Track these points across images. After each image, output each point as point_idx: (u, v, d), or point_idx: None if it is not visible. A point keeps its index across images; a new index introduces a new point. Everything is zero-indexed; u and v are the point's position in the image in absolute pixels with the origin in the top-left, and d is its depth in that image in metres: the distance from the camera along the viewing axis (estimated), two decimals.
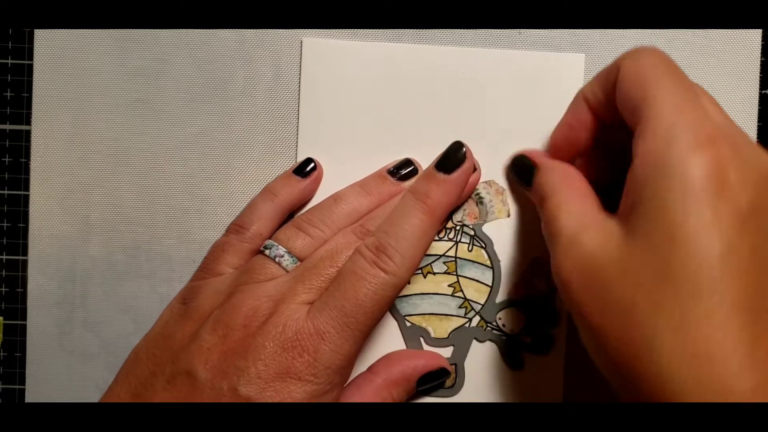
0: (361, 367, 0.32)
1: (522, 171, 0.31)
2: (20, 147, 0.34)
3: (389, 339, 0.33)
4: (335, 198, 0.32)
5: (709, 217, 0.22)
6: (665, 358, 0.21)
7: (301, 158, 0.33)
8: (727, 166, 0.23)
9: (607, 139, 0.29)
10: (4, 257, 0.34)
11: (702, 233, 0.22)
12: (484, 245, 0.33)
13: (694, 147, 0.23)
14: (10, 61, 0.34)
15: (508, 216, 0.33)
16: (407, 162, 0.32)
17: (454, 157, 0.30)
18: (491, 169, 0.33)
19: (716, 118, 0.25)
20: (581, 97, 0.29)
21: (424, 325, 0.33)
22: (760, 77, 0.33)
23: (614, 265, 0.23)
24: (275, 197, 0.32)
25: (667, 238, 0.22)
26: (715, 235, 0.22)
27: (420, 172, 0.32)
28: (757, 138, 0.33)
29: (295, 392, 0.26)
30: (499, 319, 0.33)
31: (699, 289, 0.21)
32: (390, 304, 0.28)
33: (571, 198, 0.27)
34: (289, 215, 0.33)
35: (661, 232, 0.22)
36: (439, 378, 0.32)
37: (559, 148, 0.30)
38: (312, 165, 0.32)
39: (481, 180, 0.33)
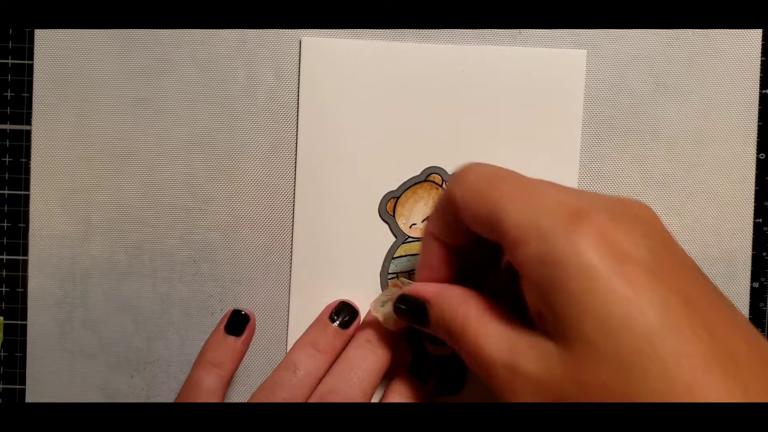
0: None
1: (413, 312, 0.28)
2: (20, 147, 0.34)
3: (390, 337, 0.33)
4: (290, 367, 0.31)
5: (630, 292, 0.21)
6: None
7: (301, 158, 0.33)
8: (610, 231, 0.21)
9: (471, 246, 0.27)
10: (5, 257, 0.34)
11: (633, 311, 0.20)
12: None
13: (568, 229, 0.21)
14: (10, 61, 0.34)
15: None
16: (345, 305, 0.32)
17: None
18: None
19: (570, 194, 0.23)
20: (429, 236, 0.27)
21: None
22: (761, 77, 0.33)
23: (570, 384, 0.21)
24: (220, 368, 0.31)
25: (602, 333, 0.20)
26: (646, 306, 0.20)
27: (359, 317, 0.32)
28: (758, 138, 0.33)
29: None
30: None
31: (665, 364, 0.20)
32: None
33: (485, 323, 0.25)
34: None
35: (592, 329, 0.21)
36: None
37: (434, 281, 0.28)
38: (242, 317, 0.32)
39: None
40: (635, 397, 0.20)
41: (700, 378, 0.19)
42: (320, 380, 0.31)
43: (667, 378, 0.20)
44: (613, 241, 0.21)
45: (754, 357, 0.20)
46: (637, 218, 0.22)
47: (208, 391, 0.31)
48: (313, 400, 0.30)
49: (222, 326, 0.32)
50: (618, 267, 0.21)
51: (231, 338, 0.32)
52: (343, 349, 0.32)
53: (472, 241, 0.26)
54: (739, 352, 0.20)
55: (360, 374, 0.30)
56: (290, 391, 0.30)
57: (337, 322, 0.32)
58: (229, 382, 0.32)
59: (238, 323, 0.32)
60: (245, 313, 0.33)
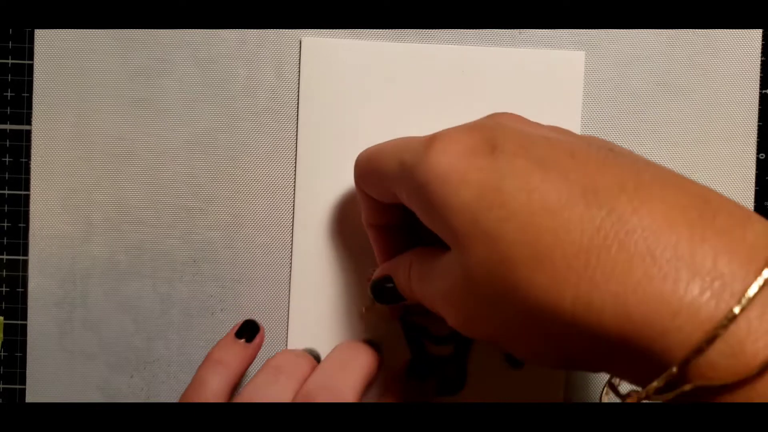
0: None
1: (388, 294, 0.29)
2: (21, 147, 0.34)
3: (390, 337, 0.33)
4: (274, 372, 0.30)
5: (474, 174, 0.22)
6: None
7: (301, 158, 0.33)
8: (458, 138, 0.23)
9: None
10: (5, 257, 0.34)
11: (466, 189, 0.21)
12: None
13: (422, 155, 0.23)
14: (10, 61, 0.34)
15: None
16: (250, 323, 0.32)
17: None
18: None
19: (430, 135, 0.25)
20: (368, 227, 0.30)
21: (424, 323, 0.33)
22: (761, 77, 0.33)
23: (465, 280, 0.22)
24: (227, 369, 0.30)
25: (470, 216, 0.21)
26: (478, 179, 0.21)
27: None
28: (758, 138, 0.33)
29: None
30: None
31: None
32: None
33: (422, 273, 0.26)
34: None
35: (464, 219, 0.22)
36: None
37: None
38: (254, 326, 0.32)
39: None
40: (509, 257, 0.20)
41: (555, 209, 0.20)
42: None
43: (527, 228, 0.20)
44: (463, 145, 0.22)
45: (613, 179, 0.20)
46: (492, 121, 0.23)
47: (212, 392, 0.30)
48: (300, 397, 0.29)
49: (233, 331, 0.32)
50: (471, 160, 0.22)
51: (241, 341, 0.31)
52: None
53: (398, 212, 0.28)
54: (600, 182, 0.20)
55: (352, 370, 0.30)
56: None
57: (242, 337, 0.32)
58: (235, 385, 0.31)
59: (249, 330, 0.32)
60: (257, 324, 0.32)
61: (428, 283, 0.26)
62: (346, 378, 0.29)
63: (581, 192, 0.20)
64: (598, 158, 0.21)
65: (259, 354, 0.33)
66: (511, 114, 0.25)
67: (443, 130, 0.24)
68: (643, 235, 0.19)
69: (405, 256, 0.29)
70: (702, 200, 0.20)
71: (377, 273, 0.30)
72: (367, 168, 0.27)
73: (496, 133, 0.22)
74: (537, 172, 0.21)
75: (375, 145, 0.28)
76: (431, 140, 0.23)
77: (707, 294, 0.18)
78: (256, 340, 0.32)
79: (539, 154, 0.21)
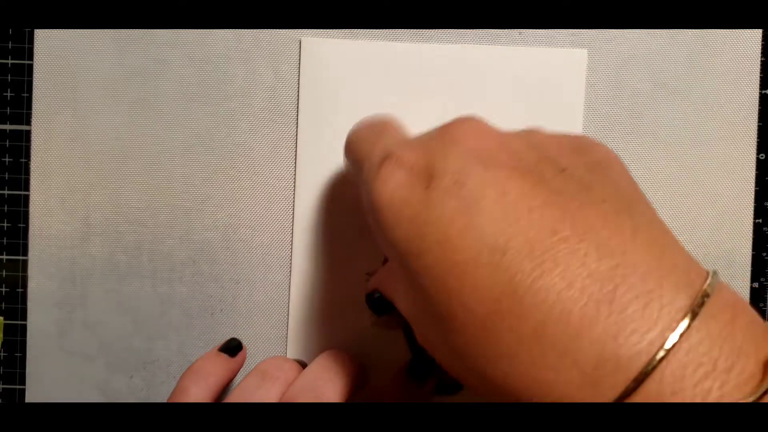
0: None
1: (381, 307, 0.29)
2: (20, 147, 0.34)
3: (390, 338, 0.33)
4: (260, 375, 0.30)
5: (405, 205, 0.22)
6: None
7: (300, 158, 0.33)
8: (404, 159, 0.22)
9: None
10: (4, 257, 0.34)
11: (411, 215, 0.21)
12: None
13: (375, 174, 0.23)
14: (10, 61, 0.34)
15: None
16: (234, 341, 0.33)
17: None
18: None
19: (398, 139, 0.25)
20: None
21: None
22: (761, 77, 0.33)
23: (409, 308, 0.23)
24: (207, 378, 0.30)
25: (401, 258, 0.22)
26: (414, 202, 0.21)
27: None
28: (758, 138, 0.33)
29: None
30: None
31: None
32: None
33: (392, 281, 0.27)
34: None
35: (397, 259, 0.22)
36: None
37: None
38: (237, 344, 0.32)
39: None
40: (430, 311, 0.21)
41: (471, 252, 0.20)
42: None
43: (441, 287, 0.20)
44: (408, 172, 0.22)
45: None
46: (444, 139, 0.23)
47: (194, 400, 0.30)
48: (286, 398, 0.29)
49: (216, 347, 0.32)
50: (407, 194, 0.21)
51: (223, 355, 0.32)
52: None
53: None
54: (521, 238, 0.19)
55: (338, 374, 0.30)
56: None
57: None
58: (217, 397, 0.31)
59: (232, 347, 0.32)
60: (240, 343, 0.33)
61: (399, 300, 0.26)
62: (331, 382, 0.29)
63: (492, 248, 0.19)
64: (528, 199, 0.20)
65: (261, 354, 0.33)
66: (470, 123, 0.23)
67: (398, 146, 0.23)
68: (535, 313, 0.18)
69: (387, 268, 0.29)
70: (614, 262, 0.19)
71: (368, 287, 0.30)
72: (347, 152, 0.28)
73: (437, 161, 0.22)
74: (462, 216, 0.20)
75: (360, 128, 0.27)
76: (383, 161, 0.23)
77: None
78: (239, 356, 0.32)
79: (470, 190, 0.20)
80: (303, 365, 0.32)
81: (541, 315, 0.18)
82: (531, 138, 0.23)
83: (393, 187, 0.22)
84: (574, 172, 0.21)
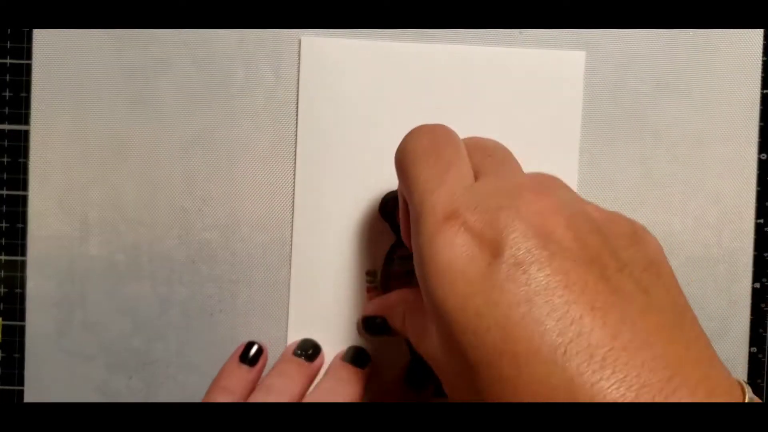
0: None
1: (379, 330, 0.32)
2: (19, 147, 0.34)
3: (390, 339, 0.33)
4: (265, 390, 0.31)
5: (464, 290, 0.21)
6: None
7: (300, 158, 0.33)
8: (472, 227, 0.22)
9: None
10: (3, 258, 0.34)
11: (469, 295, 0.21)
12: None
13: (434, 231, 0.22)
14: (8, 61, 0.34)
15: None
16: (308, 341, 0.33)
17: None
18: None
19: (462, 191, 0.23)
20: (399, 192, 0.28)
21: None
22: (762, 77, 0.33)
23: (442, 363, 0.23)
24: (233, 395, 0.31)
25: (448, 326, 0.21)
26: (468, 301, 0.21)
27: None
28: (759, 138, 0.33)
29: None
30: None
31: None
32: None
33: (411, 320, 0.27)
34: None
35: (443, 324, 0.22)
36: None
37: None
38: (257, 348, 0.33)
39: None
40: (474, 386, 0.21)
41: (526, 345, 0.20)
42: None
43: (493, 367, 0.20)
44: (471, 240, 0.21)
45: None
46: (512, 212, 0.22)
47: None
48: None
49: (236, 356, 0.32)
50: (468, 266, 0.21)
51: (245, 367, 0.32)
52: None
53: None
54: (593, 337, 0.19)
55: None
56: None
57: (304, 357, 0.33)
58: None
59: (251, 354, 0.32)
60: (260, 346, 0.33)
61: (422, 345, 0.26)
62: (341, 396, 0.31)
63: (551, 347, 0.19)
64: (591, 296, 0.20)
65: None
66: (542, 198, 0.23)
67: (466, 204, 0.22)
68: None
69: (397, 301, 0.30)
70: (669, 372, 0.19)
71: (370, 310, 0.32)
72: (399, 173, 0.26)
73: (506, 235, 0.21)
74: (520, 307, 0.20)
75: (417, 147, 0.25)
76: (449, 217, 0.22)
77: None
78: (259, 363, 0.32)
79: (534, 279, 0.20)
80: (316, 348, 0.33)
81: None
82: (592, 216, 0.23)
83: (455, 253, 0.21)
84: (633, 270, 0.21)
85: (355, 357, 0.32)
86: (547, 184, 0.24)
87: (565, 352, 0.19)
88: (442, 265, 0.21)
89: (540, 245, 0.21)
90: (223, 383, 0.32)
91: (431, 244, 0.22)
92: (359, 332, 0.33)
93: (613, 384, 0.19)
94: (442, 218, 0.22)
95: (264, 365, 0.33)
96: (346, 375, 0.32)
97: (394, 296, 0.30)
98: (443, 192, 0.23)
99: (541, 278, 0.20)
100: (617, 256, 0.22)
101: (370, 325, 0.32)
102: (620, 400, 0.19)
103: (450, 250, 0.21)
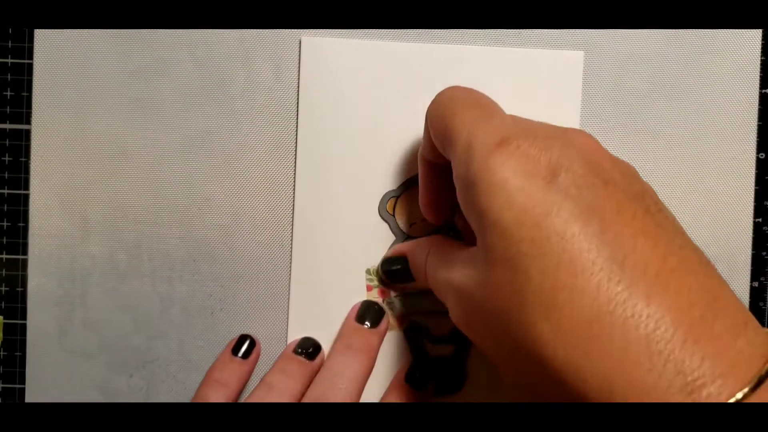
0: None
1: (398, 271, 0.32)
2: (20, 146, 0.34)
3: (389, 336, 0.33)
4: (266, 388, 0.31)
5: (526, 201, 0.22)
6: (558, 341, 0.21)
7: (301, 158, 0.33)
8: (528, 153, 0.22)
9: None
10: (4, 256, 0.34)
11: (524, 216, 0.21)
12: None
13: (488, 154, 0.23)
14: (10, 60, 0.34)
15: None
16: (308, 340, 0.33)
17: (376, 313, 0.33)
18: None
19: (510, 123, 0.24)
20: (420, 156, 0.29)
21: (424, 323, 0.33)
22: (761, 77, 0.33)
23: (477, 287, 0.23)
24: (226, 388, 0.32)
25: (497, 237, 0.22)
26: (538, 212, 0.21)
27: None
28: (758, 137, 0.33)
29: None
30: None
31: (544, 262, 0.21)
32: None
33: (437, 259, 0.28)
34: None
35: (491, 235, 0.22)
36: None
37: (436, 212, 0.30)
38: (250, 342, 0.33)
39: None
40: (523, 293, 0.21)
41: (580, 270, 0.20)
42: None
43: (548, 275, 0.21)
44: (527, 161, 0.22)
45: (659, 262, 0.21)
46: (566, 141, 0.23)
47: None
48: None
49: (229, 349, 0.33)
50: (525, 182, 0.22)
51: (238, 360, 0.33)
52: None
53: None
54: (637, 256, 0.21)
55: (345, 381, 0.31)
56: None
57: (304, 355, 0.33)
58: (236, 401, 0.32)
59: (245, 346, 0.33)
60: (253, 339, 0.33)
61: (444, 272, 0.27)
62: (339, 390, 0.31)
63: (608, 259, 0.20)
64: (641, 224, 0.21)
65: (261, 354, 0.33)
66: (587, 135, 0.24)
67: (518, 133, 0.23)
68: (645, 322, 0.20)
69: (424, 241, 0.31)
70: (711, 298, 0.21)
71: (392, 251, 0.32)
72: (438, 122, 0.27)
73: (561, 159, 0.22)
74: (578, 221, 0.21)
75: (464, 93, 0.27)
76: (502, 143, 0.23)
77: (685, 392, 0.19)
78: (252, 355, 0.33)
79: (590, 200, 0.21)
80: (316, 346, 0.33)
81: (645, 331, 0.20)
82: (632, 169, 0.24)
83: (510, 171, 0.22)
84: (668, 214, 0.23)
85: (366, 313, 0.33)
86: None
87: (623, 263, 0.20)
88: (498, 183, 0.22)
89: (593, 173, 0.22)
90: (216, 375, 0.32)
91: (486, 166, 0.23)
92: (379, 281, 0.33)
93: (666, 302, 0.20)
94: (495, 144, 0.23)
95: (257, 358, 0.33)
96: (357, 342, 0.32)
97: (418, 239, 0.31)
98: (493, 124, 0.24)
99: (596, 201, 0.21)
100: (656, 200, 0.23)
101: (390, 269, 0.32)
102: (672, 313, 0.20)
103: (506, 169, 0.22)
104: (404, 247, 0.32)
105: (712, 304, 0.20)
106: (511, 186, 0.22)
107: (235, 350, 0.33)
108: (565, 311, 0.20)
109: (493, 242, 0.22)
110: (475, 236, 0.24)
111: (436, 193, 0.30)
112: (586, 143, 0.23)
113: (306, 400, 0.31)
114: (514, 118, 0.25)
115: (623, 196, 0.22)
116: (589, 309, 0.20)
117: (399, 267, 0.32)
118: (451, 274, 0.26)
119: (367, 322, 0.32)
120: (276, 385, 0.31)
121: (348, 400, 0.31)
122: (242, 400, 0.32)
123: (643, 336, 0.19)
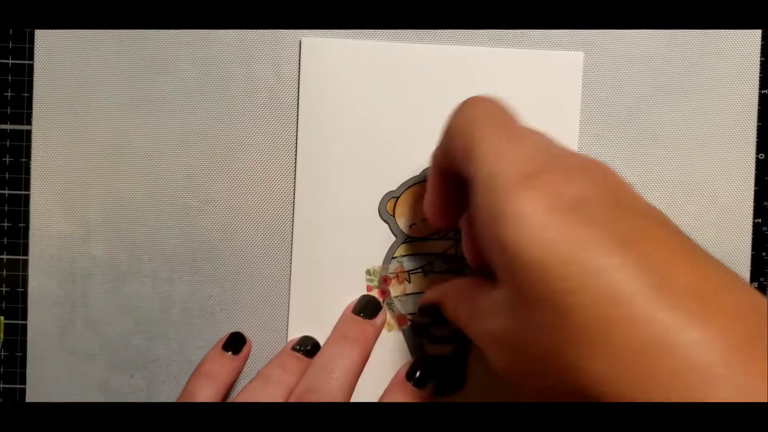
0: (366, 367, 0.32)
1: (436, 318, 0.31)
2: (21, 147, 0.34)
3: (389, 336, 0.33)
4: (263, 380, 0.32)
5: (555, 235, 0.21)
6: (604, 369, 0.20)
7: (301, 158, 0.33)
8: (555, 188, 0.22)
9: None
10: (5, 257, 0.34)
11: (554, 253, 0.21)
12: None
13: (514, 190, 0.22)
14: (10, 61, 0.34)
15: None
16: (308, 338, 0.33)
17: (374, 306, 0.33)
18: None
19: (538, 153, 0.24)
20: (432, 161, 0.28)
21: (425, 323, 0.33)
22: (760, 77, 0.33)
23: (515, 329, 0.23)
24: (215, 381, 0.32)
25: (528, 277, 0.21)
26: (567, 246, 0.21)
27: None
28: (757, 138, 0.33)
29: None
30: None
31: (581, 299, 0.20)
32: None
33: (470, 307, 0.27)
34: None
35: (520, 271, 0.22)
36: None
37: (442, 217, 0.30)
38: (241, 339, 0.33)
39: None
40: (566, 333, 0.21)
41: (624, 302, 0.20)
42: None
43: (591, 311, 0.20)
44: (553, 196, 0.22)
45: (696, 285, 0.20)
46: (588, 173, 0.23)
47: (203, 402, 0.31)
48: (292, 399, 0.30)
49: (220, 344, 0.33)
50: (553, 218, 0.21)
51: (228, 355, 0.33)
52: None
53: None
54: (679, 279, 0.20)
55: (338, 370, 0.31)
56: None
57: (302, 352, 0.33)
58: (225, 397, 0.32)
59: (235, 343, 0.33)
60: (244, 336, 0.33)
61: (477, 324, 0.26)
62: (332, 379, 0.31)
63: (649, 286, 0.20)
64: (672, 246, 0.21)
65: (260, 354, 0.34)
66: (605, 167, 0.24)
67: (542, 167, 0.23)
68: (697, 350, 0.19)
69: (451, 291, 0.29)
70: (755, 312, 0.20)
71: (427, 298, 0.31)
72: (459, 137, 0.26)
73: (586, 192, 0.22)
74: (612, 252, 0.21)
75: (481, 112, 0.26)
76: (527, 177, 0.22)
77: None
78: (243, 351, 0.33)
79: (619, 230, 0.21)
80: (314, 345, 0.33)
81: (697, 358, 0.19)
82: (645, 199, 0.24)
83: (538, 207, 0.22)
84: (686, 235, 0.23)
85: (364, 307, 0.33)
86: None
87: (663, 287, 0.20)
88: (526, 219, 0.22)
89: (617, 203, 0.22)
90: (206, 368, 0.32)
91: (511, 200, 0.22)
92: (417, 321, 0.33)
93: (714, 320, 0.19)
94: (520, 178, 0.22)
95: (247, 356, 0.33)
96: (352, 332, 0.32)
97: (447, 284, 0.30)
98: (517, 153, 0.23)
99: (625, 229, 0.21)
100: (675, 224, 0.23)
101: (427, 313, 0.32)
102: (723, 335, 0.19)
103: (533, 204, 0.22)
104: (433, 293, 0.31)
105: (759, 318, 0.20)
106: (539, 223, 0.21)
107: (226, 346, 0.33)
108: (617, 346, 0.20)
109: (525, 282, 0.22)
110: (490, 261, 0.23)
111: (445, 198, 0.29)
112: (606, 174, 0.23)
113: (299, 387, 0.31)
114: (536, 144, 0.24)
115: (650, 222, 0.22)
116: (641, 341, 0.20)
117: (434, 318, 0.31)
118: (485, 325, 0.25)
119: (362, 314, 0.33)
120: (273, 377, 0.31)
121: (340, 389, 0.30)
122: (237, 391, 0.32)
123: (695, 364, 0.19)
